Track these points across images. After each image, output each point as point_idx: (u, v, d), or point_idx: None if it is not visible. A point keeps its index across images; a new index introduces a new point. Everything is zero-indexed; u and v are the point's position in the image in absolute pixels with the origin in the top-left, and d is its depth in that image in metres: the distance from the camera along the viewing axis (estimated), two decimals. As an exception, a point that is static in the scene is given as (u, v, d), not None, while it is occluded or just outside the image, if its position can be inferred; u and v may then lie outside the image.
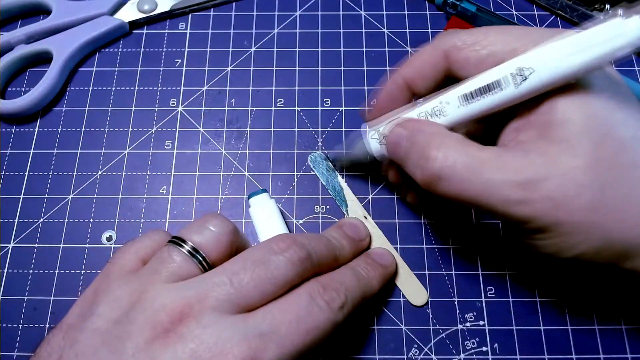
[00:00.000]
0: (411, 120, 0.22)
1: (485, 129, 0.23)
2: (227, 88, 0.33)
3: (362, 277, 0.24)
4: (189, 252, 0.21)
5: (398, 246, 0.28)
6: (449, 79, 0.23)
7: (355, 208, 0.29)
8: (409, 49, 0.33)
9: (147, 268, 0.21)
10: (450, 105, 0.21)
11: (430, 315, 0.27)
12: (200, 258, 0.21)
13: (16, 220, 0.29)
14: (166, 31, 0.34)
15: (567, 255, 0.19)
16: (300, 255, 0.21)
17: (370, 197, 0.29)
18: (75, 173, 0.30)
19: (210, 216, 0.22)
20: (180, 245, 0.21)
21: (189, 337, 0.18)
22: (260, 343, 0.19)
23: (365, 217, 0.29)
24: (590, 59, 0.18)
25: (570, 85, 0.19)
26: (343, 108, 0.32)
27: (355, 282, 0.23)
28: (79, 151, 0.31)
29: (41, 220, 0.29)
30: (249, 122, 0.32)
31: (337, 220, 0.29)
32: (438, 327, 0.26)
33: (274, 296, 0.20)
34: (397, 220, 0.29)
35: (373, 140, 0.25)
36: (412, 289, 0.27)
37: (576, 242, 0.18)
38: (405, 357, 0.26)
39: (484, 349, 0.26)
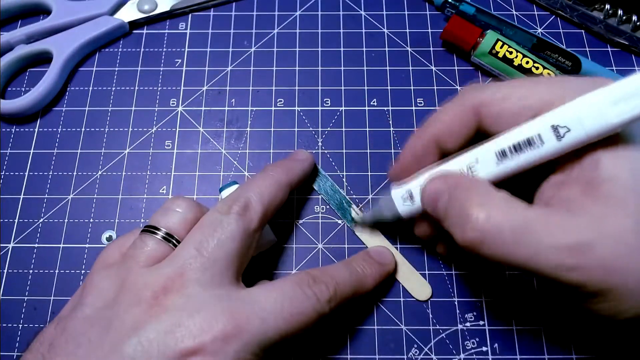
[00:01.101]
0: (451, 174, 0.21)
1: (517, 181, 0.21)
2: (227, 88, 0.33)
3: (355, 273, 0.24)
4: (163, 237, 0.22)
5: (398, 246, 0.28)
6: (478, 135, 0.22)
7: (350, 210, 0.29)
8: (409, 49, 0.33)
9: (124, 257, 0.22)
10: (486, 162, 0.20)
11: (430, 315, 0.27)
12: (175, 241, 0.22)
13: (16, 220, 0.29)
14: (166, 31, 0.34)
15: (622, 318, 0.18)
16: (242, 206, 0.22)
17: (370, 197, 0.29)
18: (75, 173, 0.30)
19: (173, 199, 0.24)
20: (154, 232, 0.22)
21: (173, 308, 0.19)
22: (244, 315, 0.19)
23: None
24: (633, 109, 0.17)
25: (612, 138, 0.18)
26: (343, 108, 0.32)
27: (347, 277, 0.24)
28: (79, 151, 0.31)
29: (41, 220, 0.29)
30: (249, 122, 0.32)
31: (337, 221, 0.29)
32: (438, 327, 0.27)
33: (238, 255, 0.22)
34: (397, 220, 0.29)
35: (402, 199, 0.24)
36: (416, 284, 0.27)
37: (631, 306, 0.17)
38: (405, 357, 0.26)
39: (484, 349, 0.26)
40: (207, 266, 0.21)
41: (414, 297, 0.27)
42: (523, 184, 0.21)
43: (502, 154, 0.20)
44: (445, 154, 0.23)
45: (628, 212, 0.17)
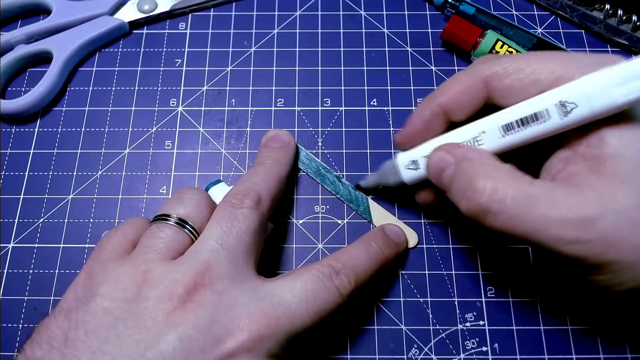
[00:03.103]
0: (457, 146, 0.22)
1: (524, 154, 0.22)
2: (227, 88, 0.33)
3: (375, 256, 0.25)
4: (177, 223, 0.22)
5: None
6: (486, 107, 0.22)
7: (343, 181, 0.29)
8: (409, 49, 0.33)
9: (140, 247, 0.21)
10: (491, 134, 0.21)
11: (430, 315, 0.27)
12: (190, 227, 0.22)
13: (16, 220, 0.29)
14: (166, 31, 0.34)
15: (618, 290, 0.18)
16: (254, 199, 0.23)
17: (369, 197, 0.29)
18: (75, 173, 0.30)
19: (183, 189, 0.24)
20: (167, 220, 0.22)
21: (207, 304, 0.19)
22: (273, 313, 0.20)
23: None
24: (638, 90, 0.17)
25: (618, 116, 0.18)
26: (343, 108, 0.32)
27: (367, 263, 0.24)
28: (79, 151, 0.31)
29: (41, 220, 0.29)
30: (249, 122, 0.32)
31: (337, 221, 0.29)
32: (438, 327, 0.27)
33: (255, 247, 0.22)
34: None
35: (406, 167, 0.24)
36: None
37: (628, 279, 0.18)
38: (405, 357, 0.26)
39: (484, 349, 0.26)
40: (231, 260, 0.21)
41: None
42: (529, 158, 0.21)
43: (509, 127, 0.20)
44: (452, 124, 0.23)
45: (632, 189, 0.17)
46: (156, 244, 0.21)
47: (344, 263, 0.23)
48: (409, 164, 0.24)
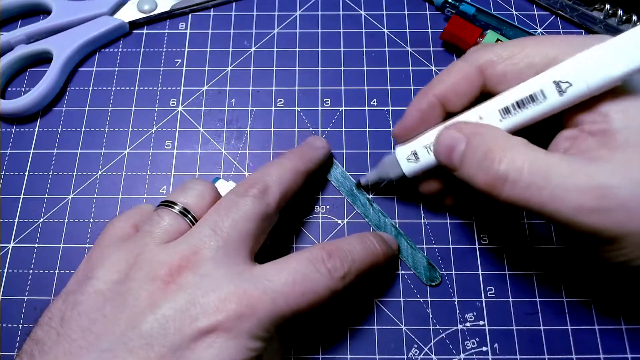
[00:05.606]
0: (467, 123, 0.21)
1: (525, 136, 0.21)
2: (227, 88, 0.33)
3: (370, 249, 0.24)
4: (180, 211, 0.22)
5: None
6: (482, 96, 0.22)
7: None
8: (409, 49, 0.33)
9: (140, 232, 0.22)
10: (489, 119, 0.21)
11: (430, 315, 0.27)
12: (189, 214, 0.22)
13: (16, 220, 0.29)
14: (166, 31, 0.34)
15: (636, 265, 0.18)
16: (261, 189, 0.23)
17: (370, 196, 0.29)
18: (75, 173, 0.30)
19: (191, 179, 0.24)
20: (171, 207, 0.22)
21: (187, 286, 0.19)
22: (256, 294, 0.20)
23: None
24: (634, 62, 0.17)
25: (617, 89, 0.18)
26: (343, 108, 0.32)
27: (362, 252, 0.23)
28: (79, 151, 0.31)
29: (41, 220, 0.29)
30: (249, 122, 0.32)
31: (337, 221, 0.29)
32: (438, 327, 0.27)
33: (252, 235, 0.22)
34: (397, 220, 0.29)
35: (406, 159, 0.24)
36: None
37: None
38: (405, 357, 0.26)
39: (484, 349, 0.26)
40: (221, 245, 0.21)
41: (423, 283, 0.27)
42: (532, 141, 0.21)
43: (506, 110, 0.20)
44: (448, 115, 0.23)
45: None
46: (154, 229, 0.21)
47: (338, 247, 0.22)
48: (409, 155, 0.24)
